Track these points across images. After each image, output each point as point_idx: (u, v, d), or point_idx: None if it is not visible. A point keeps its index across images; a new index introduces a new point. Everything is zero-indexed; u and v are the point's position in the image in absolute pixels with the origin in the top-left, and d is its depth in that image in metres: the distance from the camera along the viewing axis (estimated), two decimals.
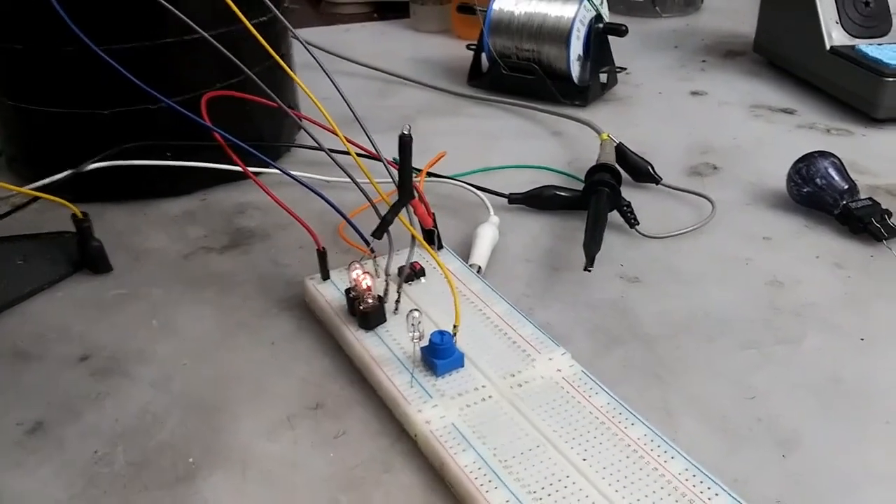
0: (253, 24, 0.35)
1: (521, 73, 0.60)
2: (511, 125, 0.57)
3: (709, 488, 0.25)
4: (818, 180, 0.44)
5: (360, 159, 0.36)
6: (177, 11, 0.34)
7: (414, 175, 0.35)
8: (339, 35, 0.78)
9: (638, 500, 0.25)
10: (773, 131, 0.56)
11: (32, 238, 0.40)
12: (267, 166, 0.40)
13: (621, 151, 0.47)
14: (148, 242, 0.42)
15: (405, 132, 0.33)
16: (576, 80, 0.59)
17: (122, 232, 0.43)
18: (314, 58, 0.36)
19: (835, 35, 0.59)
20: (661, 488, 0.25)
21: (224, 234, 0.43)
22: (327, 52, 0.66)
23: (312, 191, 0.36)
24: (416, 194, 0.35)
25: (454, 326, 0.31)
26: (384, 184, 0.36)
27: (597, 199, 0.41)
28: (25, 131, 0.47)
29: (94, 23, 0.36)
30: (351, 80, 0.65)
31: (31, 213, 0.42)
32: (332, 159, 0.37)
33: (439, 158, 0.44)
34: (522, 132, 0.56)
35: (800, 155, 0.45)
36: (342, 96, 0.36)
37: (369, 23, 0.84)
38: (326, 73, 0.36)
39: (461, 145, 0.52)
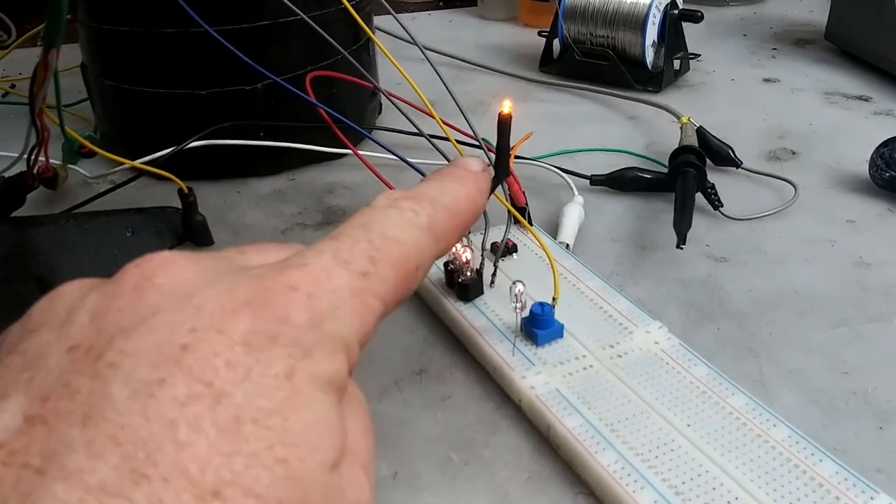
0: (342, 9, 0.36)
1: (594, 58, 0.61)
2: (585, 110, 0.58)
3: (812, 454, 0.26)
4: None
5: (453, 138, 0.37)
6: None
7: None
8: (406, 23, 0.79)
9: (744, 463, 0.26)
10: (849, 118, 0.56)
11: (139, 212, 0.41)
12: (357, 146, 0.42)
13: (702, 135, 0.48)
14: (245, 218, 0.44)
15: (505, 110, 0.34)
16: (650, 66, 0.60)
17: (219, 208, 0.44)
18: (413, 37, 0.38)
19: None
20: (766, 454, 0.26)
21: (317, 212, 0.44)
22: (398, 37, 0.67)
23: (406, 162, 0.37)
24: (510, 173, 0.36)
25: (553, 299, 0.32)
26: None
27: (684, 179, 0.41)
28: (123, 111, 0.48)
29: (195, 5, 0.37)
30: (421, 66, 0.66)
31: (129, 190, 0.44)
32: (426, 136, 0.38)
33: (525, 139, 0.45)
34: (597, 117, 0.57)
35: (878, 141, 0.45)
36: (440, 77, 0.38)
37: (435, 11, 0.85)
38: (421, 50, 0.38)
39: (537, 130, 0.52)
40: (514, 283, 0.31)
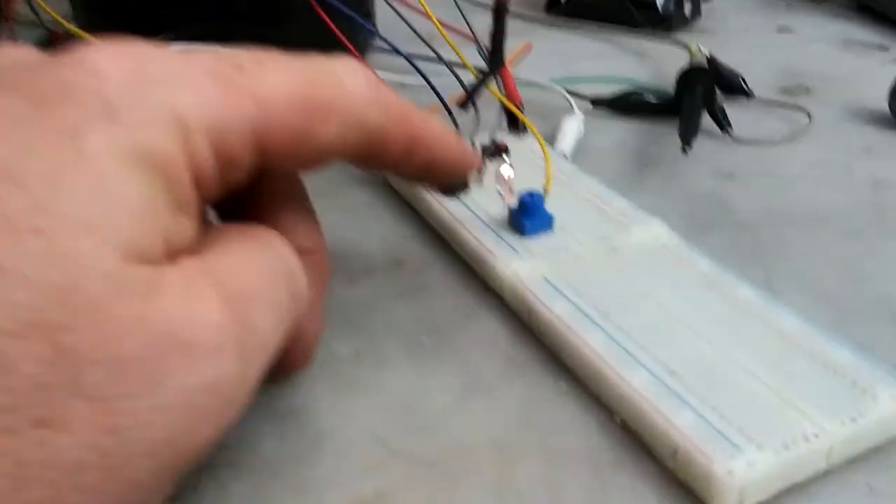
0: None
1: None
2: (592, 48, 0.55)
3: (826, 343, 0.23)
4: None
5: (444, 32, 0.34)
6: None
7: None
8: None
9: (749, 349, 0.23)
10: (866, 63, 0.53)
11: None
12: (360, 48, 0.39)
13: (712, 61, 0.45)
14: None
15: None
16: (660, 7, 0.57)
17: None
18: None
19: None
20: (775, 341, 0.23)
21: None
22: None
23: (412, 64, 0.34)
24: (505, 64, 0.34)
25: (544, 188, 0.29)
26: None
27: (691, 94, 0.39)
28: (103, 7, 0.46)
29: None
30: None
31: None
32: (423, 40, 0.35)
33: (524, 49, 0.42)
34: (604, 54, 0.54)
35: None
36: None
37: None
38: None
39: (540, 66, 0.50)
40: (501, 164, 0.28)
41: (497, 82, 0.34)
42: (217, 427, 0.15)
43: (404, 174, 0.22)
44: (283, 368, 0.21)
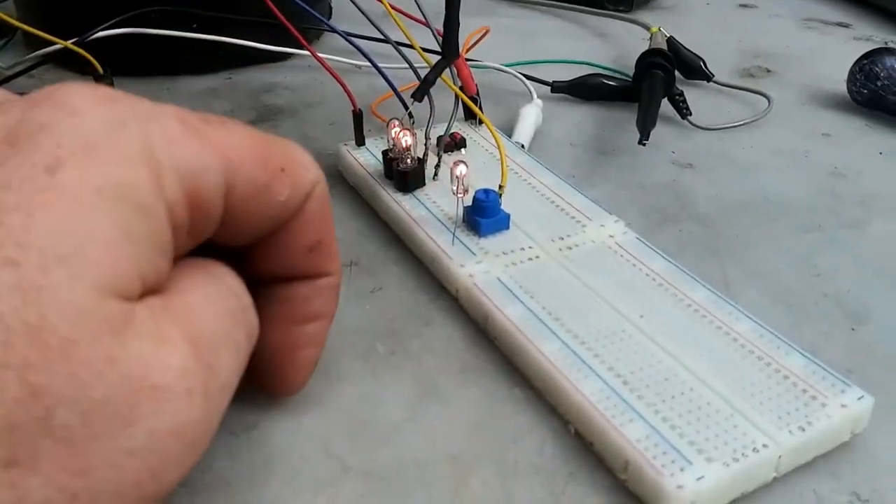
0: None
1: None
2: (551, 25, 0.55)
3: (779, 348, 0.23)
4: (882, 75, 0.41)
5: (398, 17, 0.34)
6: None
7: None
8: None
9: (702, 355, 0.23)
10: (827, 42, 0.53)
11: None
12: (318, 25, 0.38)
13: (672, 45, 0.44)
14: None
15: None
16: None
17: None
18: None
19: None
20: (728, 346, 0.23)
21: (252, 110, 0.41)
22: None
23: (360, 50, 0.33)
24: (460, 54, 0.33)
25: (500, 187, 0.29)
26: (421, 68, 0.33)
27: (651, 81, 0.38)
28: None
29: None
30: None
31: (40, 81, 0.40)
32: (390, 41, 0.34)
33: (482, 33, 0.42)
34: (564, 32, 0.53)
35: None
36: None
37: None
38: None
39: (499, 44, 0.49)
40: (455, 162, 0.28)
41: (452, 72, 0.33)
42: (183, 469, 0.15)
43: (279, 264, 0.21)
44: (277, 389, 0.22)
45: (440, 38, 0.33)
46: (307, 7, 0.34)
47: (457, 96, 0.33)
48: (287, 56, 0.45)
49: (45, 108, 0.15)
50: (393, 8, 0.34)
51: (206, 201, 0.16)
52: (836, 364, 0.24)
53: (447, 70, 0.32)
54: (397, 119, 0.31)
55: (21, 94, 0.16)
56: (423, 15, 0.35)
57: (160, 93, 0.42)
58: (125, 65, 0.42)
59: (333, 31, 0.35)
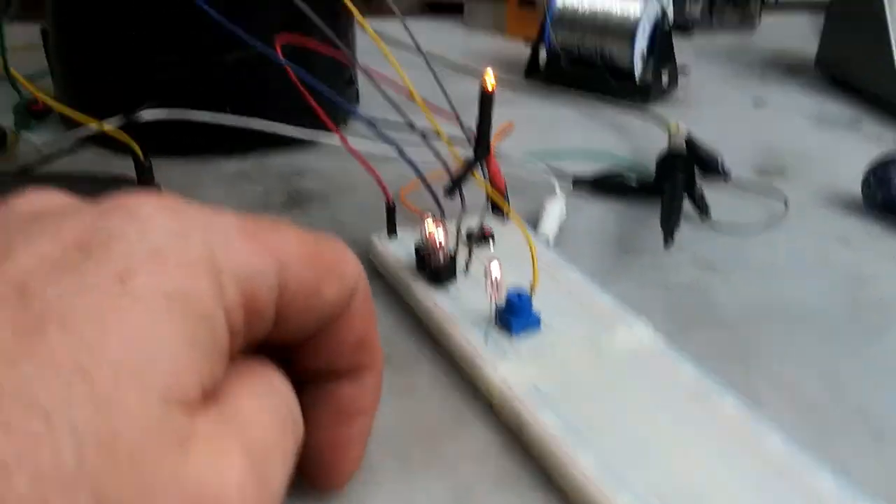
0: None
1: (581, 67, 0.59)
2: (571, 117, 0.56)
3: (809, 467, 0.23)
4: (895, 186, 0.42)
5: (430, 114, 0.35)
6: None
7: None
8: (390, 27, 0.77)
9: (734, 472, 0.23)
10: (839, 142, 0.54)
11: (88, 179, 0.38)
12: (341, 116, 0.39)
13: (690, 141, 0.46)
14: (205, 197, 0.41)
15: (488, 85, 0.32)
16: (638, 78, 0.58)
17: (178, 186, 0.41)
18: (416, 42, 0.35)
19: None
20: (759, 463, 0.23)
21: (283, 194, 0.42)
22: (383, 37, 0.65)
23: (388, 140, 0.34)
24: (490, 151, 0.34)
25: (531, 287, 0.30)
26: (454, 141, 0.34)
27: (672, 182, 0.39)
28: (82, 76, 0.45)
29: None
30: (404, 69, 0.64)
31: (82, 161, 0.41)
32: (415, 128, 0.35)
33: (506, 129, 0.43)
34: (583, 124, 0.55)
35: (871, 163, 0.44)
36: (427, 62, 0.35)
37: (421, 18, 0.83)
38: (406, 28, 0.36)
39: (520, 134, 0.50)
40: (489, 261, 0.28)
41: (482, 168, 0.34)
42: None
43: (325, 361, 0.22)
44: (320, 484, 0.22)
45: (466, 132, 0.34)
46: (338, 97, 0.35)
47: (487, 194, 0.34)
48: (316, 141, 0.46)
49: (116, 218, 0.15)
50: (423, 100, 0.36)
51: (261, 304, 0.17)
52: (865, 482, 0.25)
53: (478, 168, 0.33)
54: (430, 213, 0.32)
55: (87, 189, 0.17)
56: (452, 107, 0.36)
57: (192, 174, 0.43)
58: (160, 145, 0.43)
59: (361, 118, 0.36)
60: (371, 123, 0.35)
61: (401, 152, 0.34)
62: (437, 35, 0.77)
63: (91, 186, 0.39)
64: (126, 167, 0.38)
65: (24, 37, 0.50)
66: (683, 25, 0.58)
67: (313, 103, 0.35)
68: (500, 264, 0.28)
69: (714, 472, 0.23)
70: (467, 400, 0.27)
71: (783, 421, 0.27)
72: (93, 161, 0.41)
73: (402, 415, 0.26)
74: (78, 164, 0.40)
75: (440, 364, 0.29)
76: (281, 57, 0.34)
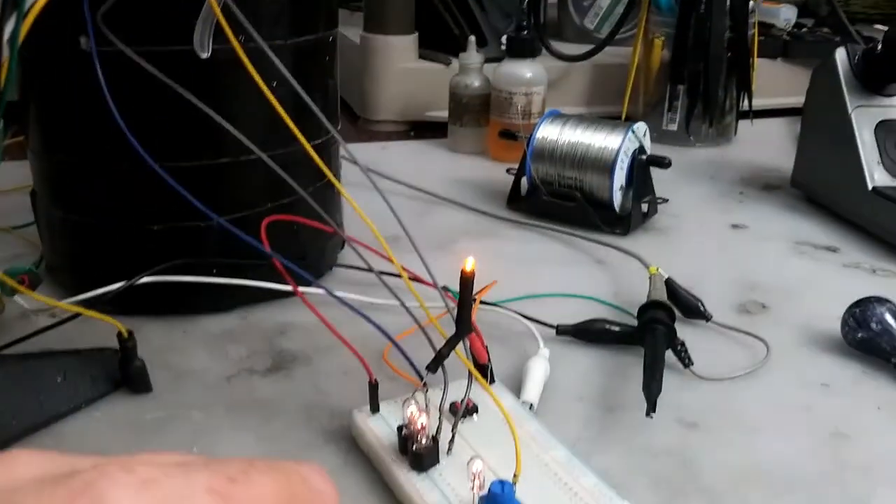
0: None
1: (562, 199, 0.61)
2: (552, 251, 0.57)
3: None
4: (874, 326, 0.43)
5: (411, 283, 0.35)
6: (237, 132, 0.34)
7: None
8: (376, 152, 0.78)
9: None
10: (818, 270, 0.55)
11: (74, 354, 0.39)
12: (312, 286, 0.39)
13: (671, 286, 0.46)
14: (189, 362, 0.41)
15: (468, 269, 0.33)
16: (617, 209, 0.59)
17: (162, 349, 0.42)
18: (373, 183, 0.36)
19: (877, 176, 0.59)
20: None
21: (266, 356, 0.42)
22: (370, 169, 0.66)
23: (361, 314, 0.35)
24: (472, 328, 0.34)
25: (514, 475, 0.30)
26: (432, 307, 0.35)
27: (653, 338, 0.40)
28: (71, 243, 0.46)
29: (152, 140, 0.36)
30: (389, 197, 0.65)
31: (72, 324, 0.41)
32: (384, 283, 0.36)
33: (489, 288, 0.44)
34: (564, 259, 0.56)
35: (848, 295, 0.44)
36: (397, 218, 0.36)
37: (407, 141, 0.85)
38: (384, 197, 0.36)
39: (502, 269, 0.51)
40: (471, 459, 0.29)
41: (465, 344, 0.34)
42: None
43: None
44: None
45: (447, 300, 0.35)
46: (300, 271, 0.35)
47: (470, 373, 0.34)
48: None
49: (86, 499, 0.16)
50: (404, 269, 0.36)
51: None
52: None
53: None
54: (411, 398, 0.32)
55: None
56: (430, 274, 0.36)
57: (178, 335, 0.43)
58: (148, 306, 0.44)
59: (327, 291, 0.37)
60: (335, 296, 0.36)
61: (371, 322, 0.35)
62: (424, 158, 0.79)
63: (76, 360, 0.39)
64: (115, 329, 0.38)
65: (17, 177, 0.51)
66: (659, 162, 0.59)
67: (289, 279, 0.36)
68: (481, 461, 0.29)
69: None
70: None
71: None
72: (82, 322, 0.41)
73: None
74: (66, 329, 0.40)
75: None
76: (265, 241, 0.35)
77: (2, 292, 0.43)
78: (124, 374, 0.38)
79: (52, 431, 0.35)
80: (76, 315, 0.41)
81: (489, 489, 0.29)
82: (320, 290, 0.38)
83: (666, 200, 0.63)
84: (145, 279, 0.42)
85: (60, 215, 0.45)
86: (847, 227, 0.61)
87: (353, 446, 0.35)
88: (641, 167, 0.60)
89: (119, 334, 0.37)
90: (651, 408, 0.35)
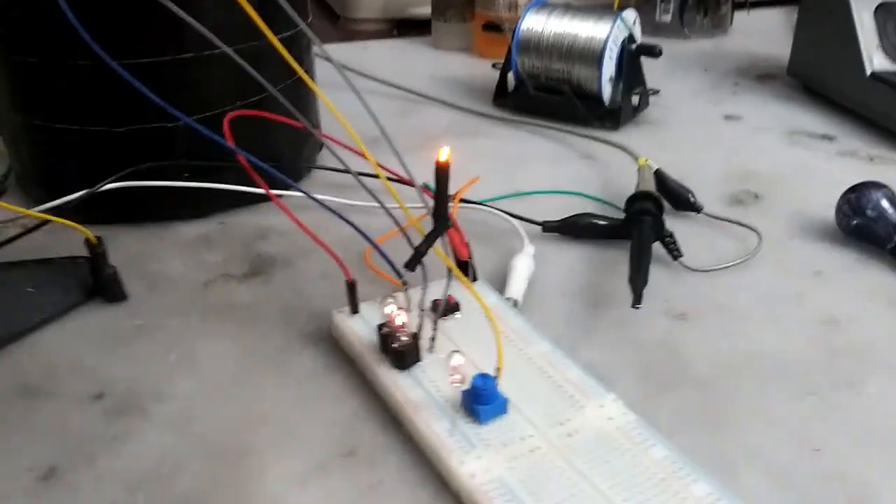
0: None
1: (549, 93, 0.58)
2: (539, 147, 0.55)
3: None
4: (869, 212, 0.41)
5: (389, 183, 0.34)
6: (198, 25, 0.32)
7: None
8: (357, 52, 0.76)
9: None
10: (813, 158, 0.53)
11: (43, 263, 0.38)
12: (289, 188, 0.38)
13: (660, 178, 0.45)
14: (165, 269, 0.40)
15: (442, 159, 0.31)
16: (607, 101, 0.57)
17: (137, 257, 0.41)
18: (344, 77, 0.34)
19: (876, 60, 0.57)
20: None
21: (244, 261, 0.41)
22: (348, 68, 0.64)
23: (339, 216, 0.34)
24: (451, 223, 0.33)
25: (497, 369, 0.29)
26: (413, 208, 0.34)
27: (640, 229, 0.38)
28: (36, 148, 0.44)
29: (111, 36, 0.34)
30: (371, 98, 0.62)
31: (42, 235, 0.40)
32: (361, 183, 0.34)
33: (471, 184, 0.42)
34: (552, 155, 0.54)
35: (843, 183, 0.43)
36: (372, 116, 0.34)
37: (389, 40, 0.82)
38: (357, 94, 0.34)
39: (488, 168, 0.49)
40: (452, 353, 0.28)
41: (443, 240, 0.33)
42: None
43: None
44: None
45: (426, 198, 0.33)
46: (278, 173, 0.34)
47: (450, 270, 0.33)
48: (278, 196, 0.45)
49: None
50: (382, 167, 0.35)
51: None
52: None
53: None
54: (391, 296, 0.31)
55: None
56: (407, 172, 0.35)
57: (153, 242, 0.42)
58: (120, 214, 0.43)
59: (311, 197, 0.35)
60: (312, 198, 0.34)
61: (353, 225, 0.34)
62: (407, 57, 0.76)
63: (47, 269, 0.38)
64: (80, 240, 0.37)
65: None
66: (650, 50, 0.57)
67: (265, 187, 0.34)
68: (461, 355, 0.28)
69: None
70: (436, 495, 0.27)
71: (758, 493, 0.27)
72: (53, 231, 0.40)
73: None
74: (37, 238, 0.39)
75: (408, 455, 0.28)
76: (229, 137, 0.33)
77: None
78: (97, 281, 0.37)
79: (25, 342, 0.34)
80: (44, 223, 0.39)
81: (471, 383, 0.28)
82: (298, 193, 0.37)
83: (657, 92, 0.61)
84: (111, 185, 0.40)
85: (21, 121, 0.43)
86: (844, 115, 0.59)
87: (334, 348, 0.34)
88: (631, 57, 0.57)
89: (87, 241, 0.36)
90: (637, 299, 0.34)
